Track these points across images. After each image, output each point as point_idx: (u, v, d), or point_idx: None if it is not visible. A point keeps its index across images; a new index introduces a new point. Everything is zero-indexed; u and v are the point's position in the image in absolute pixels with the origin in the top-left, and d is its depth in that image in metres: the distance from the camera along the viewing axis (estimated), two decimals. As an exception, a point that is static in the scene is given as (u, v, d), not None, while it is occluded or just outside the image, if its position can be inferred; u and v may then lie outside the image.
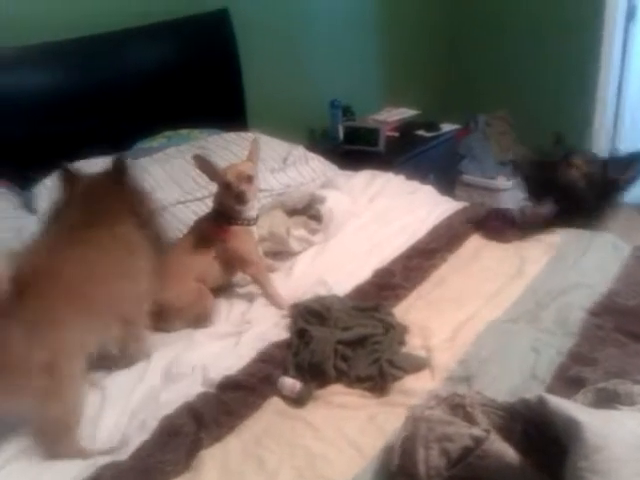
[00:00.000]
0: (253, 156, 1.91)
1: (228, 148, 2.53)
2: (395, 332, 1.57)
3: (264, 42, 3.14)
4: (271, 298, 1.83)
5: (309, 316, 1.67)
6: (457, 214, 2.27)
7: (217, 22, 2.88)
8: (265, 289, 1.85)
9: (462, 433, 1.11)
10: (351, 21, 3.61)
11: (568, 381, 1.38)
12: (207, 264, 1.83)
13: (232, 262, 1.88)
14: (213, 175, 1.87)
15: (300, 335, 1.60)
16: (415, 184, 2.56)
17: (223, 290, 1.93)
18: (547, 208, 2.00)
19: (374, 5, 3.69)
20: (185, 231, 1.99)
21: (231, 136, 2.65)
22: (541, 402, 1.11)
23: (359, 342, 1.52)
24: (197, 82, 2.82)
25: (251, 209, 1.87)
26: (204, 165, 1.86)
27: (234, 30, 2.92)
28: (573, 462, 0.99)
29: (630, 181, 2.08)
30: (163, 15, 2.66)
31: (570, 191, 2.01)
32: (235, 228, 1.84)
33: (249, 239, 1.88)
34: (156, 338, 1.67)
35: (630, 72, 3.56)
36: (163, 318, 1.72)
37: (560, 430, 1.06)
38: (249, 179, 1.82)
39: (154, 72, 2.69)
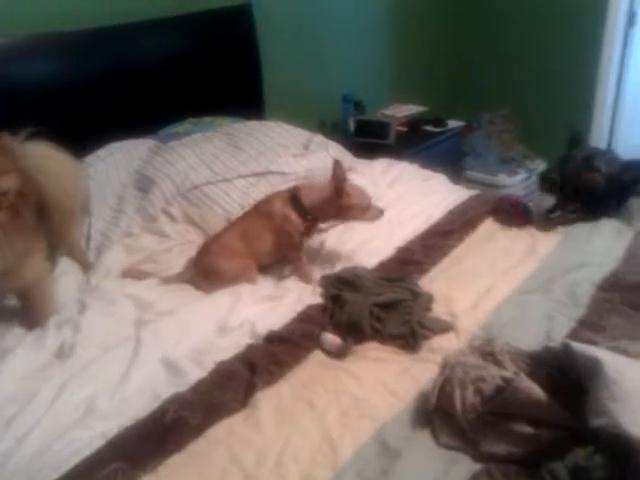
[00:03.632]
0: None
1: (253, 135, 2.68)
2: (422, 299, 1.72)
3: (283, 37, 3.29)
4: (303, 276, 1.97)
5: (340, 284, 1.82)
6: (471, 200, 2.41)
7: (240, 15, 3.02)
8: (298, 267, 2.00)
9: (494, 375, 1.27)
10: (364, 21, 3.77)
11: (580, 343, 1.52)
12: (266, 248, 1.99)
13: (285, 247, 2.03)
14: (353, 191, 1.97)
15: (334, 300, 1.74)
16: (429, 172, 2.70)
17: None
18: (571, 215, 2.15)
19: (384, 6, 3.85)
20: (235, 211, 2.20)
21: (254, 124, 2.80)
22: (564, 347, 1.26)
23: (391, 305, 1.67)
24: (219, 72, 2.97)
25: None
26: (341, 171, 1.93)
27: (256, 24, 3.07)
28: (594, 393, 1.15)
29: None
30: (191, 8, 2.81)
31: (593, 194, 2.15)
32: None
33: None
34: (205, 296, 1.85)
35: (630, 69, 3.71)
36: (214, 283, 1.89)
37: (581, 370, 1.21)
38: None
39: (179, 61, 2.84)
